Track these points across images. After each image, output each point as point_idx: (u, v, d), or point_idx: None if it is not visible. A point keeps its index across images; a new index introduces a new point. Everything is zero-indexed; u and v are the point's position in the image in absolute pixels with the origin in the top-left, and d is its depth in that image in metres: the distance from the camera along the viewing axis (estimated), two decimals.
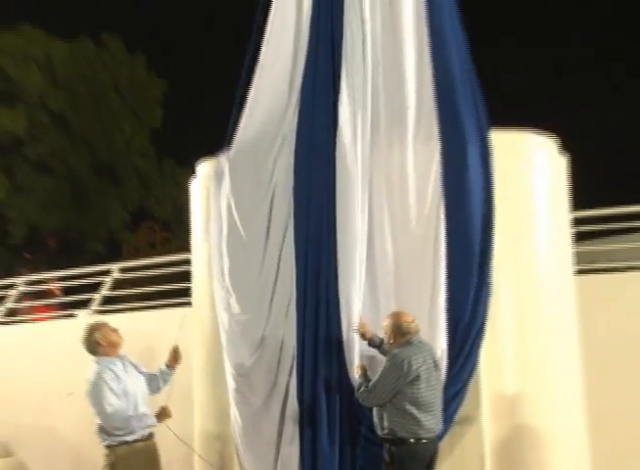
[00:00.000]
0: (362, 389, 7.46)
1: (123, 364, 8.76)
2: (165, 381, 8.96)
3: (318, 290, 8.37)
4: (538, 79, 35.19)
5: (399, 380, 7.24)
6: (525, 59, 35.43)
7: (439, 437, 7.54)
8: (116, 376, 8.51)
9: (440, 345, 7.85)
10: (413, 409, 7.26)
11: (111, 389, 8.41)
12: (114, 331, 8.91)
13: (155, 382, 8.94)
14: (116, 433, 8.47)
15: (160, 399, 8.92)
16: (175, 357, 8.96)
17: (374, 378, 7.41)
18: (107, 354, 8.72)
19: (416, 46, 8.95)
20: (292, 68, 9.24)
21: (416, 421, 7.27)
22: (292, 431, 8.36)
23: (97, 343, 8.72)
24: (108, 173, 30.09)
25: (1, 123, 27.95)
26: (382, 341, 7.75)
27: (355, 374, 7.78)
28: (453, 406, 7.79)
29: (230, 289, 8.87)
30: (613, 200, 13.05)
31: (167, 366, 8.92)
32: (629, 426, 10.50)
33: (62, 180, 29.13)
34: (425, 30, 8.93)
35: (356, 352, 8.07)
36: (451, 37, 8.93)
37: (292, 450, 8.34)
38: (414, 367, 7.25)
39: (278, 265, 8.67)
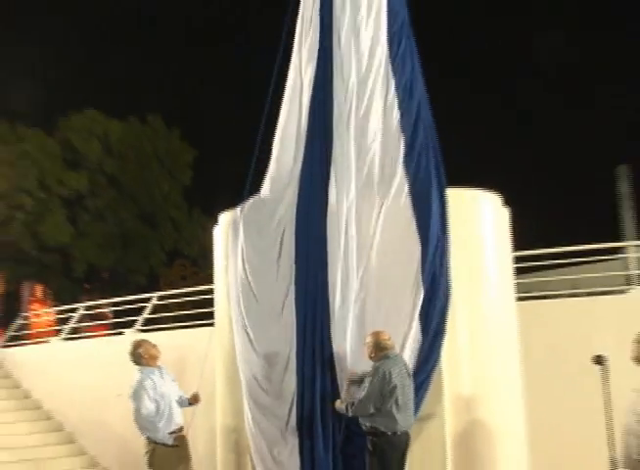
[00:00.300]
0: (354, 404, 7.38)
1: (161, 373, 8.83)
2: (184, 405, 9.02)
3: (314, 333, 8.22)
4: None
5: (383, 388, 7.17)
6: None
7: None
8: (154, 383, 8.64)
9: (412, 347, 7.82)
10: (392, 410, 7.19)
11: (148, 395, 8.50)
12: (154, 346, 8.95)
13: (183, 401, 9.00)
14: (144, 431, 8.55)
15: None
16: (195, 399, 8.99)
17: (363, 391, 7.34)
18: (148, 365, 8.79)
19: (384, 120, 8.88)
20: (296, 142, 9.14)
21: (393, 419, 7.22)
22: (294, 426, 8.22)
23: (140, 356, 8.80)
24: (149, 221, 30.13)
25: (68, 183, 28.13)
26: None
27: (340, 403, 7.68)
28: (421, 393, 7.71)
29: (247, 324, 8.75)
30: (545, 242, 13.03)
31: (189, 402, 8.96)
32: (558, 419, 10.52)
33: (113, 227, 29.23)
34: (395, 104, 8.88)
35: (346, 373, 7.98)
36: (418, 102, 8.92)
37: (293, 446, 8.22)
38: (393, 377, 7.19)
39: (282, 311, 8.50)
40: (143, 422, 8.52)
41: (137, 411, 8.52)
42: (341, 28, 9.23)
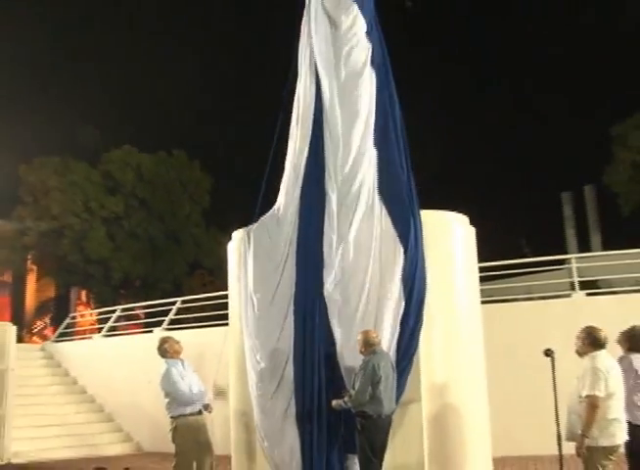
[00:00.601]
0: (350, 399, 7.30)
1: (183, 365, 8.82)
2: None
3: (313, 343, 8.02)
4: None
5: (373, 378, 7.13)
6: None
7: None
8: (178, 371, 8.63)
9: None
10: (380, 396, 7.15)
11: (177, 378, 8.51)
12: (177, 342, 9.00)
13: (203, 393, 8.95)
14: (181, 406, 8.51)
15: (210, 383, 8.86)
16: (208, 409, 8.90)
17: (357, 382, 7.27)
18: (172, 358, 8.79)
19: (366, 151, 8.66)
20: (297, 170, 8.92)
21: (380, 404, 7.17)
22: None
23: (166, 350, 8.86)
24: (174, 238, 30.13)
25: (108, 207, 28.20)
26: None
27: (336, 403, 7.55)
28: (404, 377, 7.64)
29: (253, 335, 8.54)
30: (503, 255, 13.07)
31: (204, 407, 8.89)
32: (514, 401, 10.51)
33: (144, 242, 29.22)
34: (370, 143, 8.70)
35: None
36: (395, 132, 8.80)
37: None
38: (380, 368, 7.16)
39: (282, 328, 8.25)
40: (179, 398, 8.53)
41: (172, 392, 8.54)
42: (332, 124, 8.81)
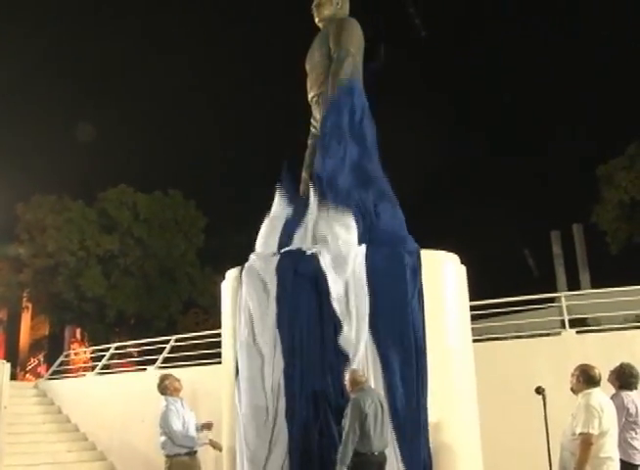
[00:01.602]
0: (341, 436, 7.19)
1: (181, 403, 8.75)
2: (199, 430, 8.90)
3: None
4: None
5: (360, 416, 7.04)
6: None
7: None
8: (177, 410, 8.59)
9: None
10: (369, 433, 7.07)
11: (175, 417, 8.44)
12: (178, 380, 8.98)
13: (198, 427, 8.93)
14: (177, 445, 8.43)
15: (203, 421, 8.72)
16: (208, 426, 8.95)
17: (346, 420, 7.13)
18: (172, 395, 8.73)
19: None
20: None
21: (369, 440, 7.07)
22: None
23: (166, 387, 8.81)
24: (169, 276, 30.06)
25: (104, 245, 28.13)
26: None
27: None
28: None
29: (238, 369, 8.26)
30: (494, 294, 13.06)
31: (203, 426, 8.84)
32: (507, 438, 10.46)
33: (139, 281, 29.16)
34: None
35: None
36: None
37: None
38: (366, 405, 7.08)
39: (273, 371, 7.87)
40: (176, 439, 8.44)
41: (169, 431, 8.45)
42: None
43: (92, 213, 28.74)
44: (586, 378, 6.77)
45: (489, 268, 27.34)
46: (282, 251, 8.48)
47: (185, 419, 8.66)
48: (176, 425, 8.45)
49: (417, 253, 8.18)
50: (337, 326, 7.71)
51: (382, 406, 7.34)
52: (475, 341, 9.71)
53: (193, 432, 8.72)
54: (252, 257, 8.80)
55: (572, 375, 6.90)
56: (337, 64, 9.07)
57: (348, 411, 7.17)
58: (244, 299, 8.42)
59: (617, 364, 7.49)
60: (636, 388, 7.42)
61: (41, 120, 38.44)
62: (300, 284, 7.97)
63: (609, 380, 7.41)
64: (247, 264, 8.68)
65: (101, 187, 30.02)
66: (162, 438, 8.53)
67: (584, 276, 34.81)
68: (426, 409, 7.65)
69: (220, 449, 8.65)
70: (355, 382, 7.37)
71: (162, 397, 8.78)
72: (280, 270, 8.12)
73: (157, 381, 9.03)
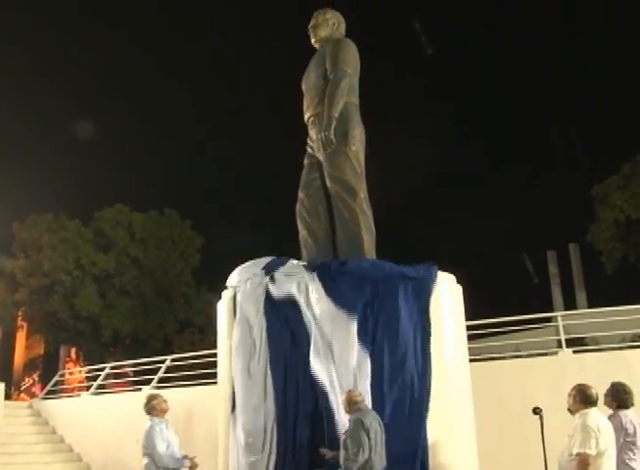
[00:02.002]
0: (348, 460, 7.05)
1: (166, 425, 8.67)
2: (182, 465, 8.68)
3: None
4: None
5: (365, 434, 6.99)
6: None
7: None
8: (161, 430, 8.51)
9: None
10: (369, 452, 7.00)
11: (159, 438, 8.35)
12: (165, 401, 8.87)
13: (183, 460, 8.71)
14: (160, 467, 8.34)
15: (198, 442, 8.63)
16: (193, 466, 8.72)
17: (348, 442, 7.05)
18: (158, 416, 8.65)
19: None
20: None
21: (370, 459, 7.01)
22: None
23: (153, 407, 8.73)
24: (164, 296, 30.03)
25: (99, 264, 28.05)
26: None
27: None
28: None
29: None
30: (491, 313, 13.04)
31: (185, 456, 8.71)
32: (504, 458, 10.41)
33: (135, 300, 29.09)
34: None
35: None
36: None
37: None
38: (366, 424, 7.03)
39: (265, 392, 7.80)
40: (161, 460, 8.33)
41: (153, 452, 8.34)
42: None
43: (88, 233, 28.73)
44: (583, 398, 6.73)
45: (486, 288, 27.36)
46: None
47: (169, 441, 8.56)
48: (160, 446, 8.33)
49: (416, 278, 8.14)
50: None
51: (380, 426, 7.30)
52: (472, 360, 9.69)
53: (177, 454, 8.60)
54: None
55: (569, 395, 6.87)
56: (333, 84, 9.10)
57: (351, 430, 7.12)
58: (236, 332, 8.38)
59: (609, 385, 7.46)
60: (632, 404, 7.40)
61: (38, 139, 38.53)
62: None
63: (605, 403, 7.37)
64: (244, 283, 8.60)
65: (97, 206, 30.14)
66: (145, 460, 8.40)
67: (581, 296, 34.80)
68: (425, 431, 7.61)
69: None
70: (352, 402, 7.30)
71: (148, 416, 8.68)
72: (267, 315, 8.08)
73: (143, 400, 8.94)
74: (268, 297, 8.12)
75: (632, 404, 7.38)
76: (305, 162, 9.65)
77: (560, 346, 12.65)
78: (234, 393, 8.17)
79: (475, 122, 40.68)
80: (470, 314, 9.60)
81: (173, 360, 16.90)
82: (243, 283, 8.51)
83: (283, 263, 8.39)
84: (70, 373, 29.30)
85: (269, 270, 8.33)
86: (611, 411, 7.33)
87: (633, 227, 25.37)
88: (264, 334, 7.97)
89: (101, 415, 16.46)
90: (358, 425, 7.08)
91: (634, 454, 7.09)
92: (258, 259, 8.69)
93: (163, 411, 8.73)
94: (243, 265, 8.80)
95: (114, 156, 37.41)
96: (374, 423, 7.16)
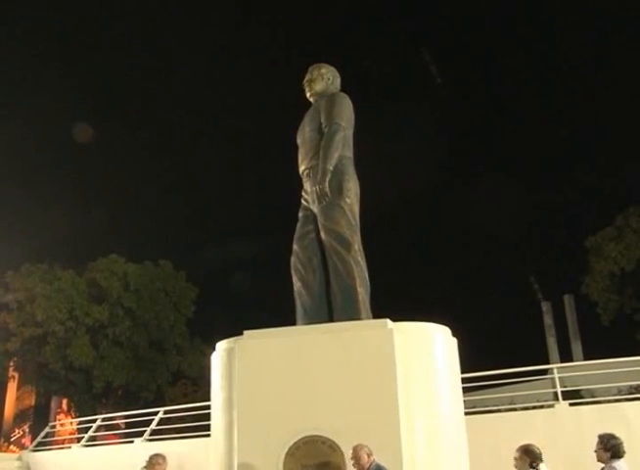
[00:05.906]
0: None
1: None
2: None
3: None
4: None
5: None
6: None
7: None
8: None
9: None
10: None
11: None
12: (165, 462, 8.71)
13: None
14: None
15: None
16: None
17: None
18: None
19: None
20: None
21: None
22: None
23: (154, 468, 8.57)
24: (157, 347, 29.93)
25: (93, 315, 28.04)
26: None
27: None
28: None
29: None
30: (486, 366, 13.01)
31: None
32: None
33: (128, 351, 28.98)
34: None
35: None
36: None
37: None
38: None
39: None
40: None
41: None
42: None
43: (82, 283, 28.74)
44: (533, 457, 6.72)
45: (481, 340, 27.32)
46: None
47: None
48: None
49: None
50: None
51: None
52: (467, 413, 9.62)
53: None
54: None
55: (516, 458, 6.85)
56: (328, 138, 9.22)
57: None
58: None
59: (597, 440, 7.39)
60: (624, 452, 7.31)
61: (31, 188, 38.71)
62: None
63: (599, 459, 7.28)
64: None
65: (91, 257, 30.24)
66: None
67: (576, 347, 34.71)
68: None
69: None
70: (361, 459, 7.18)
71: None
72: None
73: (146, 457, 8.80)
74: None
75: (624, 452, 7.30)
76: (300, 214, 9.70)
77: (556, 398, 12.56)
78: None
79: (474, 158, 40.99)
80: (465, 366, 9.56)
81: (166, 412, 16.73)
82: None
83: None
84: (62, 424, 28.99)
85: None
86: (602, 465, 7.24)
87: (628, 279, 25.47)
88: None
89: (92, 467, 16.18)
90: None
91: None
92: None
93: None
94: None
95: (108, 206, 37.58)
96: None
